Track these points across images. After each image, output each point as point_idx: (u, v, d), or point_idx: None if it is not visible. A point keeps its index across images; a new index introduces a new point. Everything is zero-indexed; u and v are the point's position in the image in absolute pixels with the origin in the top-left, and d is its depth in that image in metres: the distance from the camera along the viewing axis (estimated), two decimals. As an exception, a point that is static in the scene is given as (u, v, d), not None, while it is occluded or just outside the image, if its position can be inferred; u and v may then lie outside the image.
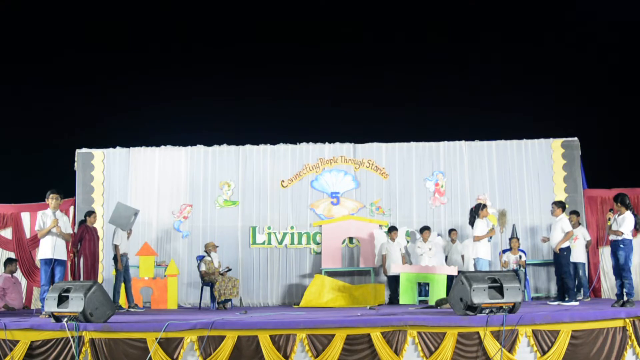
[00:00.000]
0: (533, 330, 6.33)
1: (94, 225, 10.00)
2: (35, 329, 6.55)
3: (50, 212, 8.12)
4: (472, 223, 9.50)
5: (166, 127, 12.28)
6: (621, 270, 7.92)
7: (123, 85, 12.51)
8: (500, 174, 11.41)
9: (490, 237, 9.47)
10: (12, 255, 10.85)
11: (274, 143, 11.75)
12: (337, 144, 11.72)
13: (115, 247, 9.91)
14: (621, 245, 7.91)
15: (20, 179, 11.69)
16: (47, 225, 8.04)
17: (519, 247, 10.32)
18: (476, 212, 9.40)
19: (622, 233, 7.89)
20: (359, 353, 6.33)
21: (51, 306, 6.64)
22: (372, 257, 11.02)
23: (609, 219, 8.06)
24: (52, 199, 8.14)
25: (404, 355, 6.28)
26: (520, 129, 11.52)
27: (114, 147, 11.73)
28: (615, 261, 8.00)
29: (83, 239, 9.62)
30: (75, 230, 10.18)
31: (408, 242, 11.13)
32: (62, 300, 6.64)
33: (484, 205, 9.44)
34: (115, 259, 9.96)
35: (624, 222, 7.90)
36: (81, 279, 9.68)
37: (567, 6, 12.29)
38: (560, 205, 9.07)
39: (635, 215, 7.99)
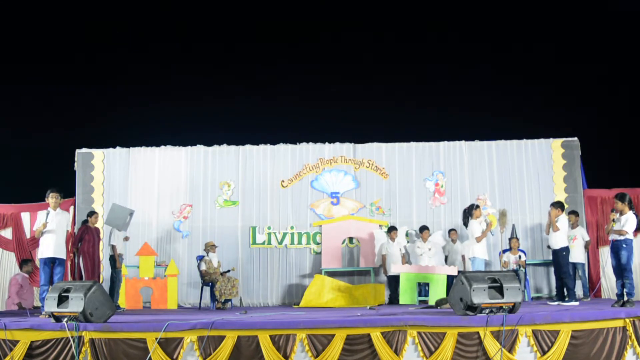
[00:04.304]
0: (533, 330, 6.33)
1: (96, 226, 10.03)
2: (35, 329, 6.55)
3: (51, 211, 8.12)
4: (465, 223, 9.55)
5: (166, 127, 12.29)
6: (623, 270, 7.88)
7: (123, 85, 12.52)
8: (500, 174, 11.40)
9: (492, 232, 9.49)
10: (12, 255, 10.91)
11: (274, 143, 11.75)
12: (337, 144, 11.71)
13: (112, 247, 9.97)
14: (624, 245, 7.87)
15: (20, 178, 11.69)
16: (48, 224, 8.02)
17: (518, 247, 10.32)
18: (469, 212, 9.45)
19: (627, 232, 7.86)
20: (359, 353, 6.33)
21: (51, 306, 6.64)
22: (372, 257, 11.02)
23: (613, 220, 8.02)
24: (51, 198, 8.14)
25: (404, 355, 6.28)
26: (520, 129, 11.52)
27: (114, 147, 11.73)
28: (617, 261, 7.95)
29: (83, 239, 9.65)
30: (76, 231, 10.21)
31: (407, 242, 11.12)
32: (62, 300, 6.64)
33: (477, 206, 9.51)
34: (112, 259, 10.00)
35: (627, 222, 7.86)
36: (83, 279, 9.69)
37: (567, 6, 12.28)
38: (558, 205, 9.04)
39: (636, 215, 7.97)
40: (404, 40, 12.83)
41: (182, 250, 11.39)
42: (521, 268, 10.04)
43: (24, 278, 10.31)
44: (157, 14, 12.72)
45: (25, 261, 10.55)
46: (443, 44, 12.75)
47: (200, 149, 11.74)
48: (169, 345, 6.36)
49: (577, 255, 9.97)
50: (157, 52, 12.82)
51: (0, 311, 9.94)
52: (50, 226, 8.04)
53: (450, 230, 10.87)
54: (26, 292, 10.23)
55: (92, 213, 10.04)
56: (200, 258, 10.42)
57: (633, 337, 6.42)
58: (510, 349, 6.27)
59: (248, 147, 11.74)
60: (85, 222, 10.00)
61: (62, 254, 8.20)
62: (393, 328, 6.35)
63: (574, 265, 9.83)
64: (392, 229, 10.67)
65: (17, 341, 6.49)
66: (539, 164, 11.35)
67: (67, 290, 6.65)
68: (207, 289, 10.30)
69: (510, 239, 10.30)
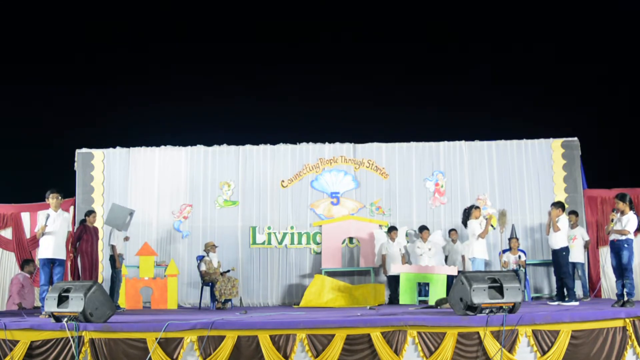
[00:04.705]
0: (533, 330, 6.33)
1: (95, 225, 10.02)
2: (35, 329, 6.55)
3: (51, 211, 8.12)
4: (465, 223, 9.56)
5: (166, 127, 12.29)
6: (624, 270, 7.88)
7: (123, 85, 12.52)
8: (500, 174, 11.40)
9: (492, 226, 9.54)
10: (12, 255, 10.92)
11: (274, 143, 11.75)
12: (337, 144, 11.71)
13: (112, 247, 9.97)
14: (625, 245, 7.88)
15: (20, 179, 11.69)
16: (49, 225, 8.02)
17: (518, 247, 10.32)
18: (469, 212, 9.46)
19: (628, 232, 7.86)
20: (359, 353, 6.33)
21: (51, 306, 6.64)
22: (372, 257, 11.02)
23: (612, 220, 8.03)
24: (52, 199, 8.14)
25: (404, 355, 6.28)
26: (520, 129, 11.52)
27: (114, 147, 11.73)
28: (617, 261, 7.96)
29: (81, 238, 9.63)
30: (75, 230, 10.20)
31: (407, 242, 11.11)
32: (62, 300, 6.64)
33: (477, 207, 9.54)
34: (112, 259, 10.00)
35: (629, 222, 7.87)
36: (80, 278, 9.68)
37: (566, 6, 12.29)
38: (559, 205, 9.05)
39: (636, 215, 7.97)
40: (404, 40, 12.83)
41: (182, 250, 11.38)
42: (521, 268, 10.05)
43: (25, 278, 10.33)
44: (157, 14, 12.72)
45: (26, 261, 10.56)
46: (443, 44, 12.75)
47: (200, 149, 11.74)
48: (169, 345, 6.36)
49: (577, 255, 9.98)
50: (157, 52, 12.82)
51: (0, 311, 9.93)
52: (51, 227, 8.04)
53: (450, 230, 10.87)
54: (27, 292, 10.25)
55: (89, 212, 10.02)
56: (200, 258, 10.41)
57: (633, 337, 6.43)
58: (510, 349, 6.27)
59: (248, 147, 11.74)
60: (83, 221, 9.99)
61: (62, 255, 8.20)
62: (393, 328, 6.35)
63: (574, 265, 9.83)
64: (392, 229, 10.67)
65: (17, 341, 6.49)
66: (539, 164, 11.34)
67: (67, 290, 6.65)
68: (207, 289, 10.30)
69: (509, 239, 10.30)
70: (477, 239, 9.53)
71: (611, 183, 10.87)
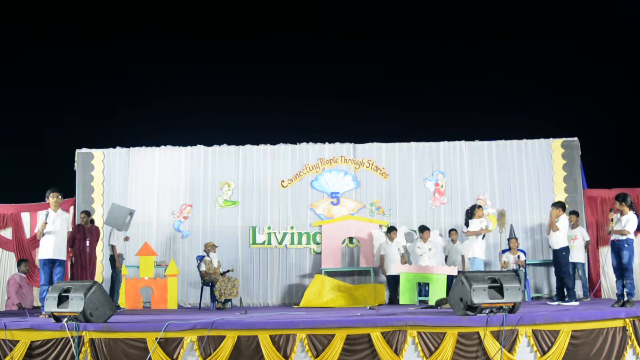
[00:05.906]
0: (533, 330, 6.33)
1: (96, 225, 10.02)
2: (35, 329, 6.55)
3: (51, 211, 8.11)
4: (466, 223, 9.56)
5: (166, 127, 12.29)
6: (624, 270, 7.90)
7: (123, 85, 12.51)
8: (500, 174, 11.41)
9: (484, 236, 9.51)
10: (12, 255, 10.91)
11: (274, 143, 11.75)
12: (337, 144, 11.71)
13: (112, 247, 9.98)
14: (625, 245, 7.89)
15: (20, 179, 11.68)
16: (48, 225, 8.02)
17: (517, 247, 10.32)
18: (471, 212, 9.47)
19: (629, 232, 7.88)
20: (359, 353, 6.33)
21: (51, 306, 6.64)
22: (372, 257, 11.02)
23: (612, 219, 8.04)
24: (52, 198, 8.12)
25: (404, 355, 6.28)
26: (520, 129, 11.52)
27: (114, 147, 11.74)
28: (618, 261, 7.97)
29: (75, 238, 9.61)
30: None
31: (407, 242, 11.11)
32: (62, 300, 6.64)
33: (479, 206, 9.54)
34: (112, 259, 10.00)
35: (629, 222, 7.88)
36: (75, 277, 9.66)
37: (567, 6, 12.29)
38: (559, 205, 9.05)
39: (636, 215, 7.97)
40: (404, 40, 12.83)
41: (182, 250, 11.38)
42: (521, 268, 10.05)
43: (22, 278, 10.32)
44: (157, 14, 12.73)
45: (21, 261, 10.53)
46: (443, 44, 12.75)
47: (200, 149, 11.74)
48: (169, 345, 6.36)
49: (577, 255, 9.98)
50: (157, 52, 12.82)
51: (0, 311, 9.94)
52: (50, 227, 8.03)
53: (450, 230, 10.87)
54: (26, 292, 10.24)
55: (82, 212, 10.02)
56: (200, 258, 10.41)
57: (633, 337, 6.43)
58: (510, 349, 6.27)
59: (248, 147, 11.74)
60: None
61: (62, 255, 8.19)
62: (393, 328, 6.35)
63: (574, 265, 9.83)
64: (391, 229, 10.67)
65: (17, 341, 6.49)
66: (539, 164, 11.35)
67: (67, 290, 6.65)
68: (207, 289, 10.30)
69: (509, 239, 10.30)
70: (476, 237, 9.50)
71: (611, 183, 10.88)
